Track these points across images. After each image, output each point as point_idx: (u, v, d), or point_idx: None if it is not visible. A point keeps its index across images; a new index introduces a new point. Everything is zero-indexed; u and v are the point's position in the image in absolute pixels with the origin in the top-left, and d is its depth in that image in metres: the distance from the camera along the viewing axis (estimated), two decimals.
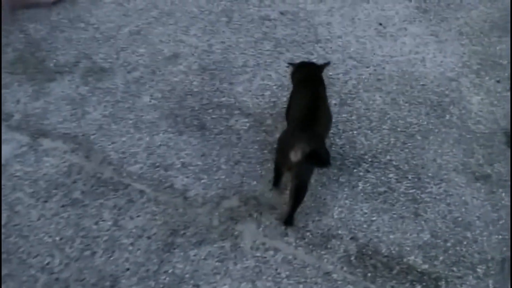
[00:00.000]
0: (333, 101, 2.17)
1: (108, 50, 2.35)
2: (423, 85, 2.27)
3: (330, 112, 1.88)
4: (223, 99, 2.17)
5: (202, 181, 1.84)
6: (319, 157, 1.59)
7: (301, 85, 1.89)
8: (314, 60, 2.27)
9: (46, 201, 1.75)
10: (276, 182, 1.81)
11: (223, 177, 1.86)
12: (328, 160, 1.62)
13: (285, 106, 2.11)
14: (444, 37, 2.53)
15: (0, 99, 2.07)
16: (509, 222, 1.76)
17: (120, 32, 2.46)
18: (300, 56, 2.38)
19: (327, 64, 1.98)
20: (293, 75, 1.97)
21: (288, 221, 1.72)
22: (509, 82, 2.29)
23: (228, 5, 2.68)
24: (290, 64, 2.03)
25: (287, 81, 2.24)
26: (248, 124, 2.06)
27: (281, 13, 2.64)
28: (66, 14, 2.53)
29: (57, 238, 1.65)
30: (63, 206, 1.74)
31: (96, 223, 1.69)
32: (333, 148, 1.98)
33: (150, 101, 2.13)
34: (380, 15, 2.65)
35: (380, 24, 2.60)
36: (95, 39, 2.41)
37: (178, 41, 2.44)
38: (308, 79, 1.90)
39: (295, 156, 1.56)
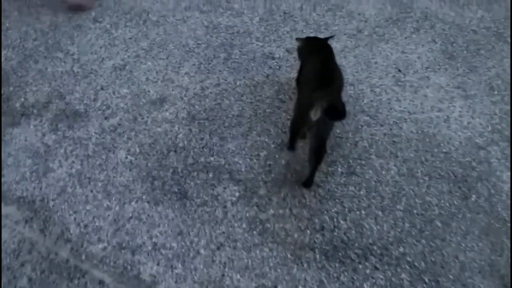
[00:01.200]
0: (339, 168, 1.80)
1: (85, 88, 2.00)
2: (446, 153, 1.88)
3: (341, 71, 1.85)
4: (212, 158, 1.81)
5: (176, 271, 1.49)
6: (335, 110, 1.54)
7: (311, 54, 1.89)
8: None
9: None
10: (292, 145, 1.76)
11: (200, 266, 1.50)
12: (344, 112, 1.56)
13: (283, 172, 1.76)
14: (472, 91, 2.13)
15: None
16: None
17: (103, 66, 2.10)
18: None
19: (331, 37, 2.03)
20: (301, 49, 1.97)
21: (308, 183, 1.74)
22: None
23: (229, 38, 2.30)
24: (298, 39, 2.01)
25: (287, 139, 1.87)
26: (237, 194, 1.70)
27: (287, 51, 2.25)
28: (44, 40, 2.18)
29: None
30: None
31: None
32: (336, 233, 1.61)
33: (126, 157, 1.78)
34: (400, 59, 2.26)
35: (400, 70, 2.20)
36: (73, 73, 2.05)
37: (167, 81, 2.07)
38: (317, 48, 1.91)
39: (315, 114, 1.55)
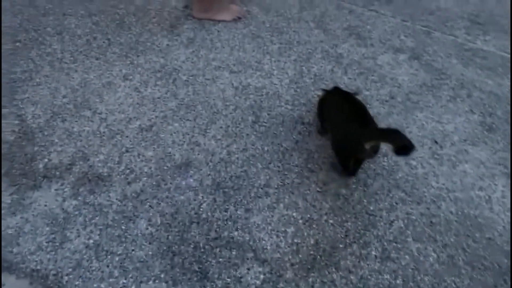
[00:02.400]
0: (373, 251, 1.64)
1: (110, 150, 1.92)
2: (489, 239, 1.71)
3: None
4: (236, 233, 1.68)
5: None
6: (406, 148, 1.59)
7: (338, 100, 1.92)
8: (348, 195, 1.78)
9: None
10: (348, 168, 1.86)
11: None
12: (412, 145, 1.59)
13: (312, 253, 1.61)
14: None
15: None
16: None
17: (130, 126, 2.03)
18: (335, 178, 1.88)
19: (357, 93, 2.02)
20: (324, 98, 2.01)
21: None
22: None
23: (258, 100, 2.22)
24: (324, 90, 2.08)
25: (317, 214, 1.74)
26: (262, 277, 1.55)
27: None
28: (73, 97, 2.14)
29: None
30: None
31: None
32: None
33: (146, 228, 1.67)
34: (436, 129, 2.13)
35: (436, 142, 2.07)
36: (99, 134, 1.98)
37: (193, 144, 1.98)
38: (343, 93, 1.96)
39: (368, 151, 1.68)
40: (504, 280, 1.58)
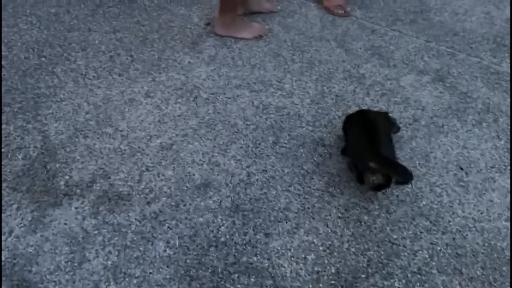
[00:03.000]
0: (396, 283, 1.58)
1: (131, 168, 1.91)
2: None
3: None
4: (255, 259, 1.64)
5: None
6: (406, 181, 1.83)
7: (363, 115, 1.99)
8: (370, 222, 1.72)
9: None
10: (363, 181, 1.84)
11: None
12: (410, 176, 1.77)
13: (333, 282, 1.56)
14: None
15: None
16: None
17: (150, 144, 2.02)
18: (356, 203, 1.83)
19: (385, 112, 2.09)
20: (347, 119, 2.03)
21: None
22: None
23: (278, 120, 2.19)
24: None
25: (338, 241, 1.69)
26: None
27: (339, 138, 2.11)
28: (96, 114, 2.14)
29: None
30: None
31: None
32: None
33: (164, 251, 1.64)
34: (462, 155, 2.06)
35: (461, 168, 2.00)
36: (120, 151, 1.98)
37: (213, 164, 1.96)
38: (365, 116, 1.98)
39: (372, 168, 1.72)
40: None
